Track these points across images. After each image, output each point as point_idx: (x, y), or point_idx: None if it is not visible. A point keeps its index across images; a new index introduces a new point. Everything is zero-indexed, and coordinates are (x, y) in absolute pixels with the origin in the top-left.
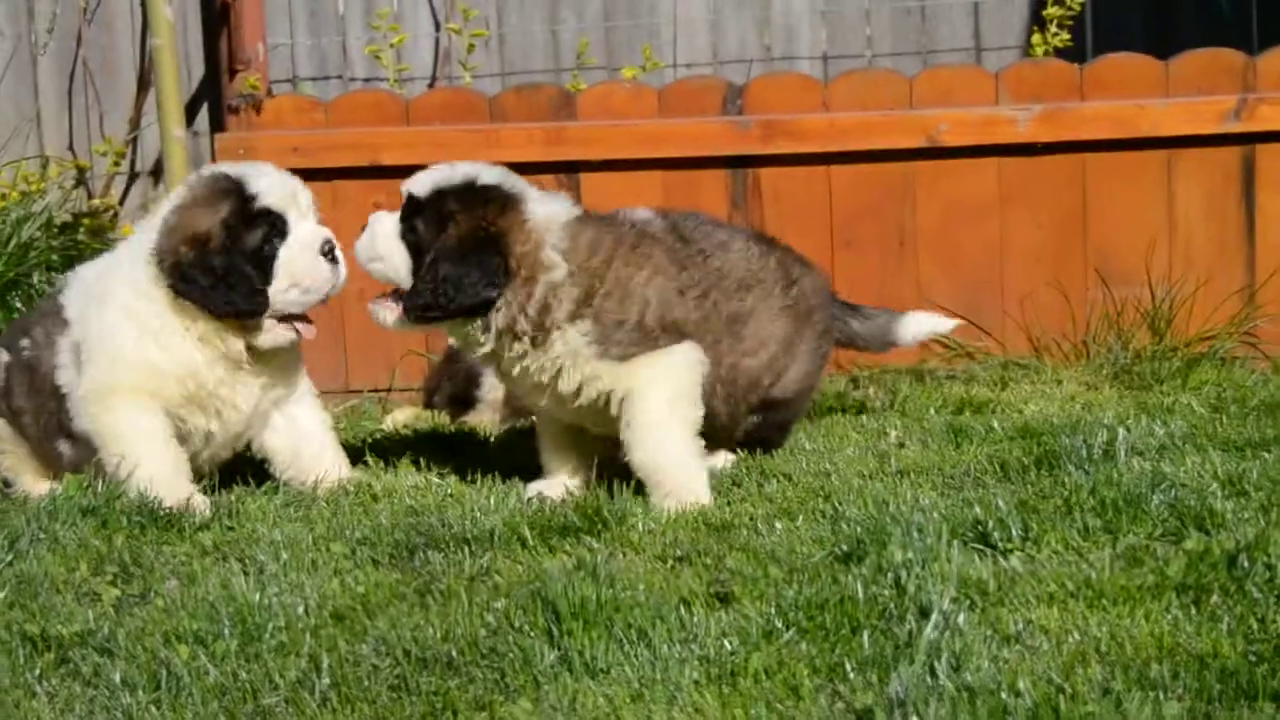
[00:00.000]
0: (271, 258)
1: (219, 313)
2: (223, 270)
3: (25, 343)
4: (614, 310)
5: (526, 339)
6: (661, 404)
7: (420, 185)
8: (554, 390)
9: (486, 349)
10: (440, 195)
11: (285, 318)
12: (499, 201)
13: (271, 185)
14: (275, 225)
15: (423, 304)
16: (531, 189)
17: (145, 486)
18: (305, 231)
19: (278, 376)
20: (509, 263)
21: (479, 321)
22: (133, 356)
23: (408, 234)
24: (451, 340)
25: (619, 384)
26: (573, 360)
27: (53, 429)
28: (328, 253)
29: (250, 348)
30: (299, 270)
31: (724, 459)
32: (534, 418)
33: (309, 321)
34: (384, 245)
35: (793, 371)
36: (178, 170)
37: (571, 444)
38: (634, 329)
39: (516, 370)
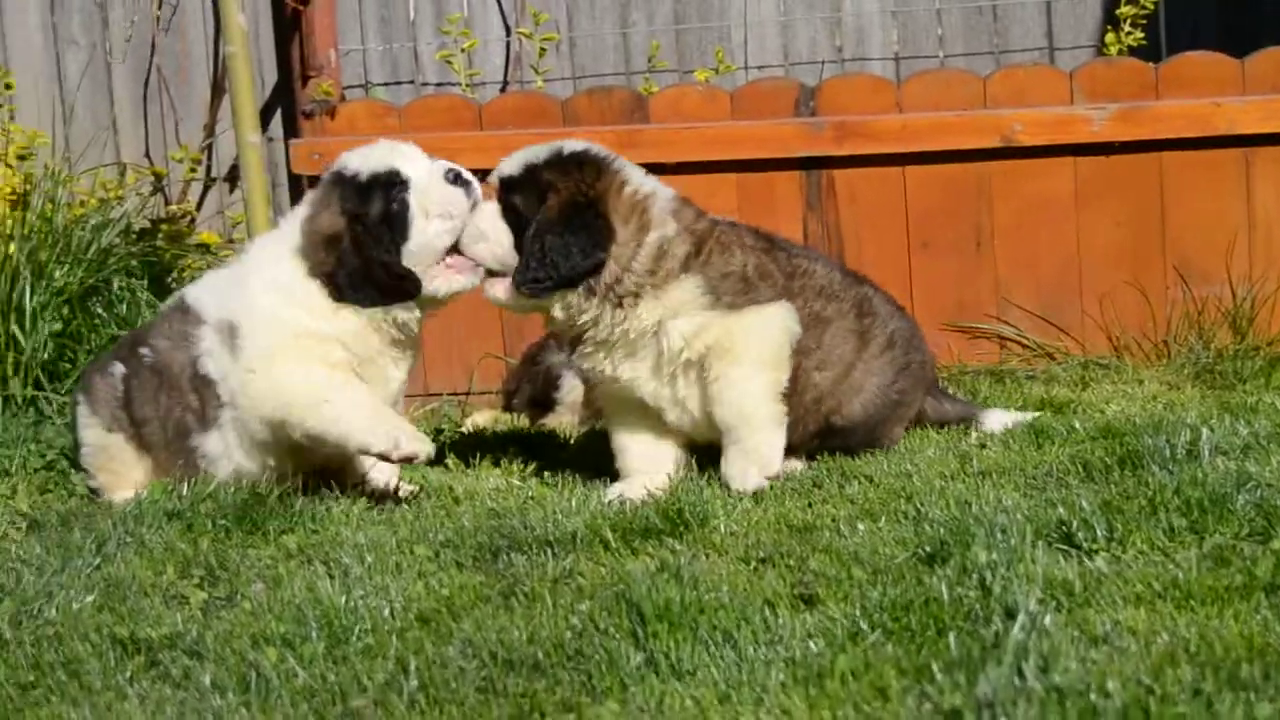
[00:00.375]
0: (403, 211)
1: (378, 305)
2: (362, 268)
3: (146, 350)
4: (721, 264)
5: (631, 299)
6: (753, 359)
7: (511, 164)
8: (648, 358)
9: (589, 315)
10: (532, 170)
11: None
12: (592, 165)
13: (366, 154)
14: (389, 182)
15: (533, 277)
16: (624, 160)
17: (353, 419)
18: (422, 169)
19: (416, 354)
20: (611, 223)
21: (583, 287)
22: (296, 326)
23: (508, 213)
24: (556, 312)
25: (721, 335)
26: (684, 310)
27: (188, 427)
28: (454, 179)
29: (432, 300)
30: (433, 203)
31: (795, 465)
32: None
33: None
34: (486, 226)
35: (857, 402)
36: (254, 176)
37: (647, 443)
38: (739, 279)
39: (616, 337)
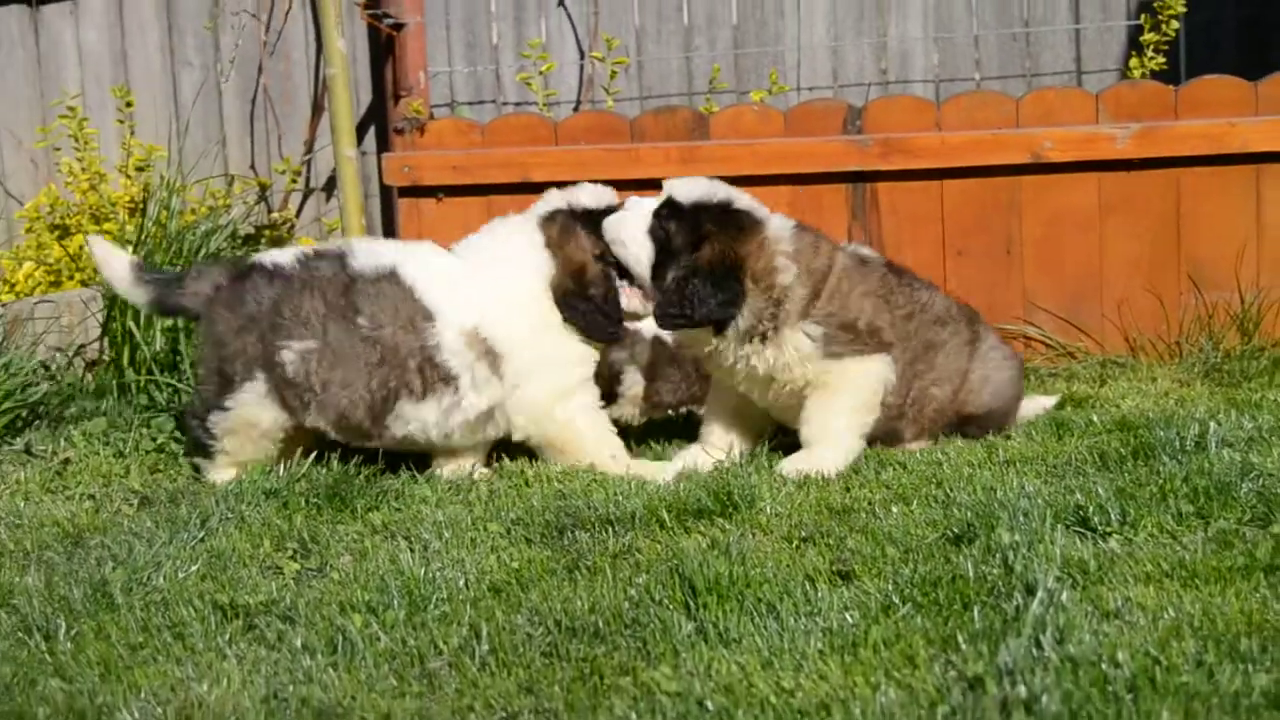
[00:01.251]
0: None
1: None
2: (606, 304)
3: (363, 321)
4: (835, 314)
5: (757, 339)
6: (846, 402)
7: (683, 192)
8: (764, 379)
9: (711, 346)
10: (699, 210)
11: None
12: (750, 228)
13: (599, 192)
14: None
15: (671, 313)
16: (766, 212)
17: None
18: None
19: None
20: (746, 283)
21: (718, 330)
22: (561, 354)
23: (657, 231)
24: (679, 337)
25: (823, 374)
26: (796, 356)
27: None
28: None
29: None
30: None
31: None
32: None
33: None
34: (631, 233)
35: (986, 393)
36: (349, 187)
37: (730, 423)
38: (849, 331)
39: (739, 364)
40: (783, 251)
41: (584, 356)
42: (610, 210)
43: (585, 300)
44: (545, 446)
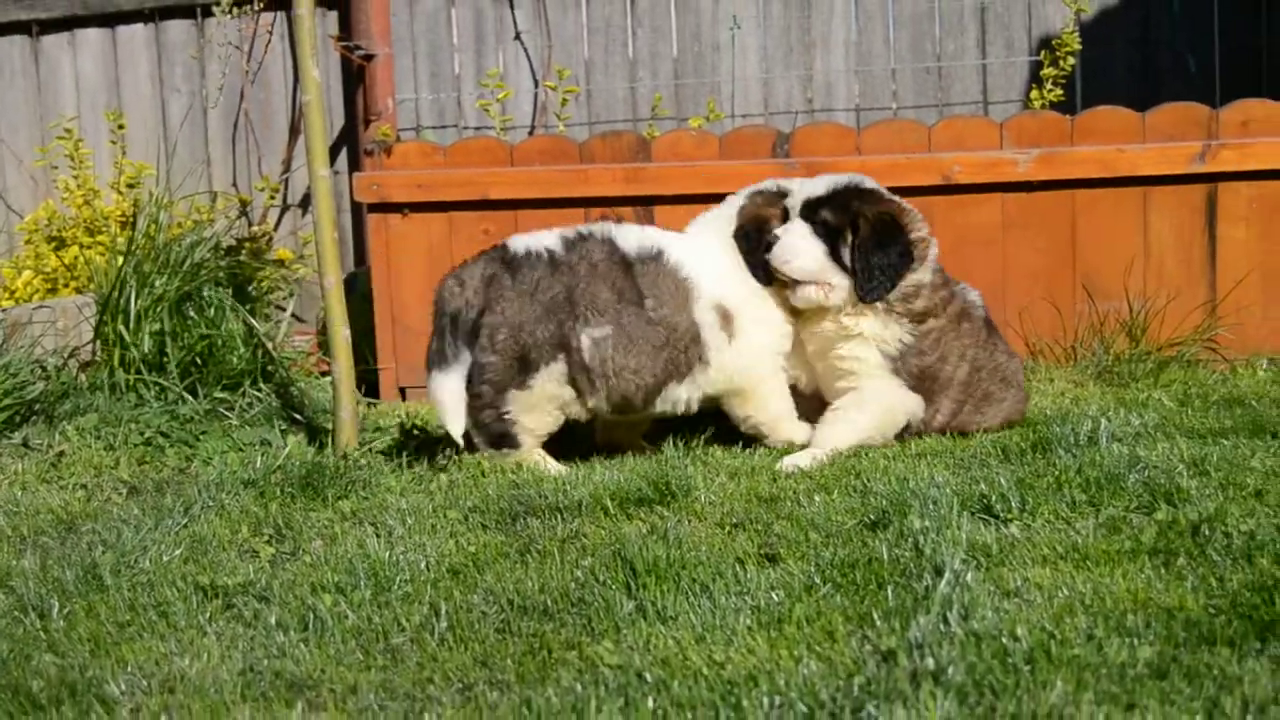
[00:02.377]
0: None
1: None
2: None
3: (650, 302)
4: (924, 352)
5: (862, 314)
6: (871, 416)
7: (815, 188)
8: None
9: (837, 309)
10: (838, 194)
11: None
12: (885, 199)
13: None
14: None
15: (874, 285)
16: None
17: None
18: (797, 223)
19: None
20: (909, 239)
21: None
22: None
23: (817, 228)
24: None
25: (869, 379)
26: (872, 343)
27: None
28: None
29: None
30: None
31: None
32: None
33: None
34: (795, 243)
35: (998, 419)
36: (322, 203)
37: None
38: (916, 370)
39: (834, 331)
40: (933, 255)
41: (783, 321)
42: (781, 194)
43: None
44: (733, 395)
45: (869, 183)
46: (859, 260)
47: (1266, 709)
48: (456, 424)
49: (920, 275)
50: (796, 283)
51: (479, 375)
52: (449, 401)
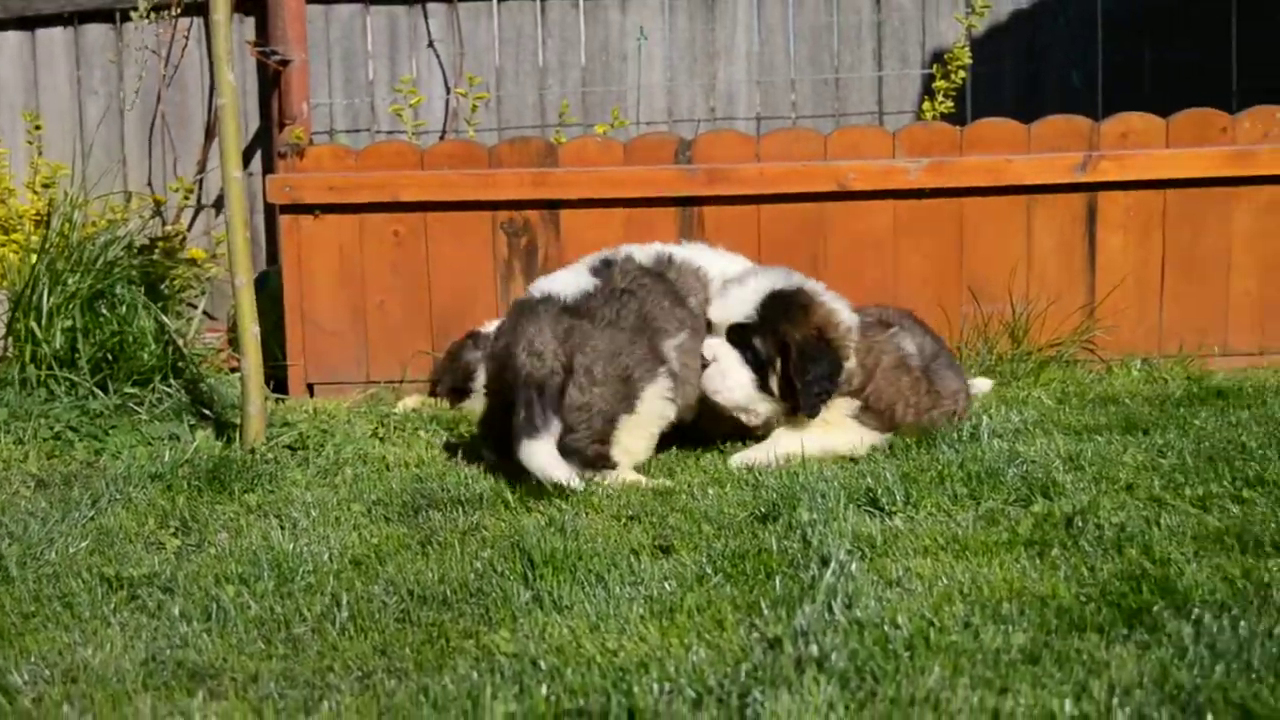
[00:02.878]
0: None
1: None
2: None
3: None
4: (874, 404)
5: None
6: (835, 442)
7: (738, 310)
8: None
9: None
10: (764, 312)
11: None
12: (810, 305)
13: None
14: None
15: (812, 401)
16: (818, 285)
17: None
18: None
19: None
20: (835, 348)
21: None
22: None
23: (746, 355)
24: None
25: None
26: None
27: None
28: None
29: None
30: None
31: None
32: None
33: None
34: (726, 377)
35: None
36: (235, 204)
37: None
38: (876, 414)
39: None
40: (853, 342)
41: None
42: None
43: None
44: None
45: (790, 286)
46: (793, 382)
47: (1131, 692)
48: (562, 471)
49: (849, 365)
50: None
51: (584, 417)
52: (549, 461)
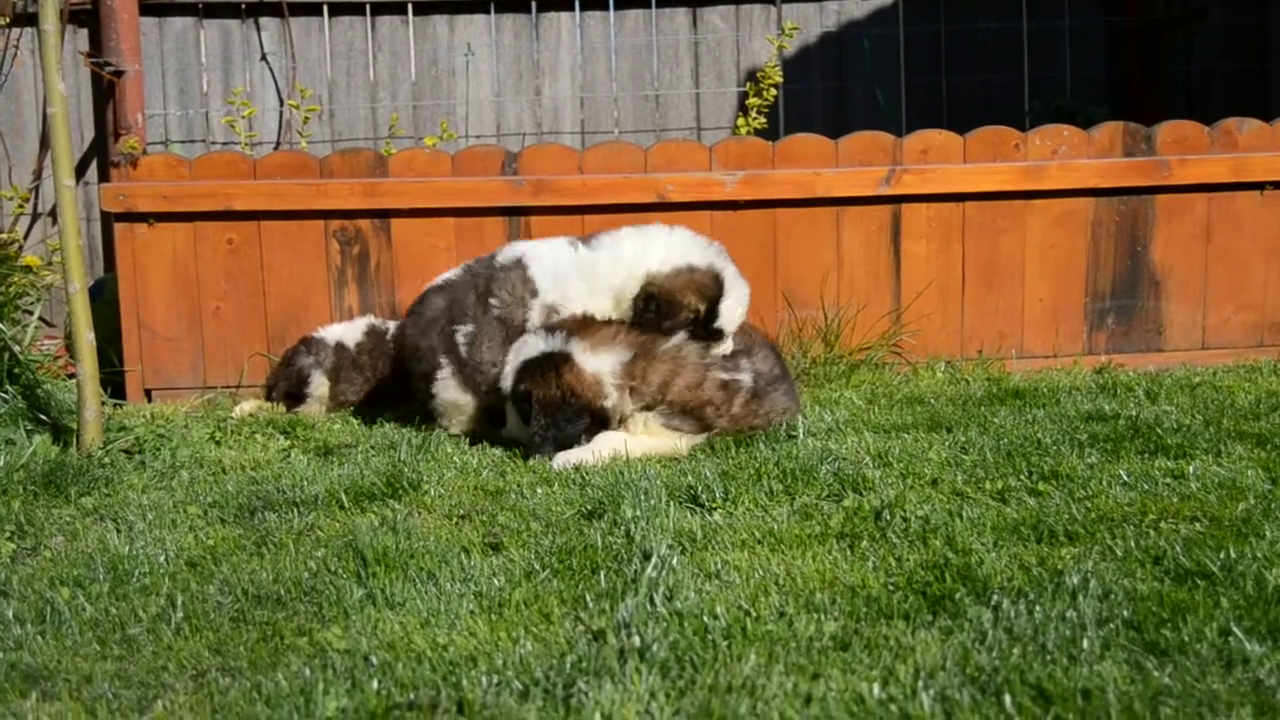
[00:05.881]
0: None
1: None
2: None
3: None
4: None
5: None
6: (652, 445)
7: (509, 377)
8: None
9: None
10: (519, 378)
11: None
12: (560, 364)
13: None
14: None
15: (538, 447)
16: (576, 343)
17: None
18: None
19: None
20: (581, 401)
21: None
22: None
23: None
24: None
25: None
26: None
27: None
28: None
29: None
30: None
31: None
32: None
33: None
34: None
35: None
36: (67, 213)
37: None
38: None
39: None
40: (600, 370)
41: None
42: None
43: None
44: None
45: (548, 349)
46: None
47: (935, 675)
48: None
49: (608, 403)
50: None
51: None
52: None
